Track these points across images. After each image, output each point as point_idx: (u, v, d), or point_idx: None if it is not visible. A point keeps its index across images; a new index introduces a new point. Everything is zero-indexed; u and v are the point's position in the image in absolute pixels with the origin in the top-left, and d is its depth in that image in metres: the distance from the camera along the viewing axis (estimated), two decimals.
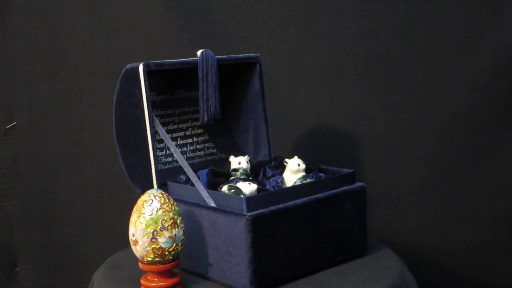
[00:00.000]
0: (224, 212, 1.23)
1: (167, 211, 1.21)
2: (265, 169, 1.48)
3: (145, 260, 1.22)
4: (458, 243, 1.82)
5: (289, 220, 1.25)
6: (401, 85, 1.79)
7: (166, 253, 1.21)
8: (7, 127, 1.83)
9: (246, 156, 1.47)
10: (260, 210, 1.22)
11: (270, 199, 1.25)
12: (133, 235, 1.21)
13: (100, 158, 1.83)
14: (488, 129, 1.77)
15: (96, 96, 1.82)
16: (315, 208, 1.29)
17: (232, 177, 1.42)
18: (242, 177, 1.41)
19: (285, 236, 1.25)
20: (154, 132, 1.35)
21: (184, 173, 1.37)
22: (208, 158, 1.55)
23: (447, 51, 1.76)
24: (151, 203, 1.20)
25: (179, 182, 1.39)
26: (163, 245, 1.20)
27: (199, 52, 1.42)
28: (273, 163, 1.49)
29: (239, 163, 1.44)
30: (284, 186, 1.38)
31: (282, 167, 1.45)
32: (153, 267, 1.23)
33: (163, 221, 1.20)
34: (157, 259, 1.21)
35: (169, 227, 1.20)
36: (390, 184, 1.82)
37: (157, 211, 1.20)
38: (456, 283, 1.84)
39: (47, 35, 1.81)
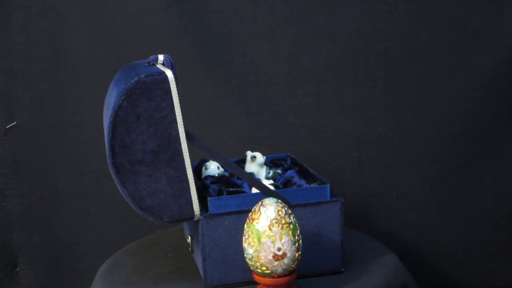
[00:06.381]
0: (310, 204, 1.26)
1: (292, 214, 1.17)
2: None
3: (287, 271, 1.15)
4: (458, 243, 1.82)
5: None
6: (401, 85, 1.79)
7: (301, 257, 1.18)
8: (7, 127, 1.83)
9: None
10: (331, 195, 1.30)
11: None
12: (279, 249, 1.13)
13: (100, 158, 1.83)
14: (488, 129, 1.77)
15: (96, 96, 1.82)
16: None
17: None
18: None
19: None
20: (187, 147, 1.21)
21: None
22: None
23: (447, 51, 1.76)
24: (285, 211, 1.14)
25: (215, 195, 1.31)
26: (301, 250, 1.17)
27: (161, 57, 1.26)
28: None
29: (218, 167, 1.43)
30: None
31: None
32: (290, 277, 1.16)
33: (297, 225, 1.16)
34: (295, 266, 1.16)
35: (300, 230, 1.17)
36: (390, 184, 1.82)
37: (293, 217, 1.15)
38: (456, 283, 1.83)
39: (47, 35, 1.81)
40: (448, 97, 1.77)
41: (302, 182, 1.37)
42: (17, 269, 1.88)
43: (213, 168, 1.42)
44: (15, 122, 1.83)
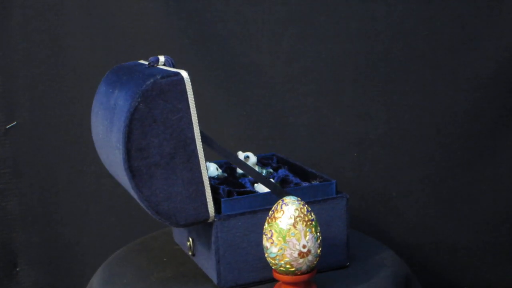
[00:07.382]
0: (318, 201, 1.27)
1: (313, 212, 1.18)
2: None
3: (309, 268, 1.16)
4: (458, 243, 1.82)
5: None
6: (401, 85, 1.79)
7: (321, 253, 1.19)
8: (7, 127, 1.83)
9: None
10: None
11: None
12: (304, 247, 1.13)
13: (100, 158, 1.84)
14: (488, 129, 1.77)
15: None
16: None
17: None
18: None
19: None
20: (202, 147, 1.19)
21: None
22: None
23: (447, 51, 1.76)
24: (306, 208, 1.15)
25: (225, 196, 1.30)
26: (321, 246, 1.18)
27: (162, 58, 1.24)
28: None
29: (217, 168, 1.43)
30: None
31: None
32: (311, 273, 1.17)
33: (318, 222, 1.18)
34: (316, 263, 1.17)
35: (319, 226, 1.19)
36: (390, 184, 1.82)
37: (313, 214, 1.16)
38: (456, 283, 1.84)
39: (47, 35, 1.81)
40: (448, 97, 1.78)
41: (297, 180, 1.37)
42: (17, 269, 1.88)
43: (212, 169, 1.42)
44: (15, 122, 1.83)
